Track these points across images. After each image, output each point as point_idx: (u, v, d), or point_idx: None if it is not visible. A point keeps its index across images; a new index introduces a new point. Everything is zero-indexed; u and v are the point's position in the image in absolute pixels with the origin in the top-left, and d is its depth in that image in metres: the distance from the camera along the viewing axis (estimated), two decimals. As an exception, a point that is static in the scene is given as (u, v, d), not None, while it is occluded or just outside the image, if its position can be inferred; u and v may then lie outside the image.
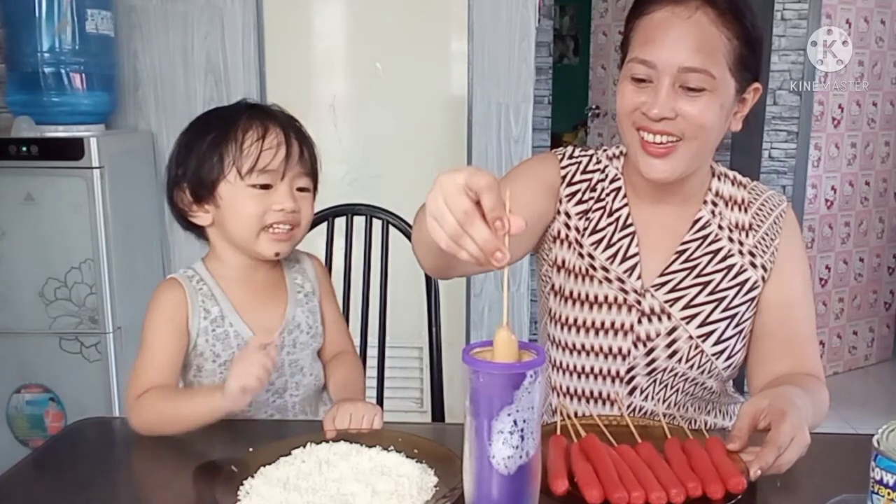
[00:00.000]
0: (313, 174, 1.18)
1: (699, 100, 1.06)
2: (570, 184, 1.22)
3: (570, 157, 1.24)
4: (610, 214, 1.21)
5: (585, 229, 1.21)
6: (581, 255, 1.20)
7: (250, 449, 0.95)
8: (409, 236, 1.50)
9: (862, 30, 3.47)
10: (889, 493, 0.70)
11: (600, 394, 1.20)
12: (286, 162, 1.12)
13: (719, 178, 1.22)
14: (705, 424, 1.22)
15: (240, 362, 1.00)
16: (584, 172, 1.23)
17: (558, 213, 1.22)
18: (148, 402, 1.07)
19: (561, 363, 1.22)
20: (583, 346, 1.19)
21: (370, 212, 1.54)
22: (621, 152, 1.24)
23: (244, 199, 1.12)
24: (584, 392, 1.21)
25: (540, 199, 1.20)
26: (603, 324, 1.17)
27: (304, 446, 0.95)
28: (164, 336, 1.12)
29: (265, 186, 1.12)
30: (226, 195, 1.13)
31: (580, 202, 1.22)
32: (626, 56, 1.12)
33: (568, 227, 1.22)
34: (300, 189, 1.16)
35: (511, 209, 0.74)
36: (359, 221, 1.55)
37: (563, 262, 1.21)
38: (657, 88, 1.06)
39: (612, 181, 1.22)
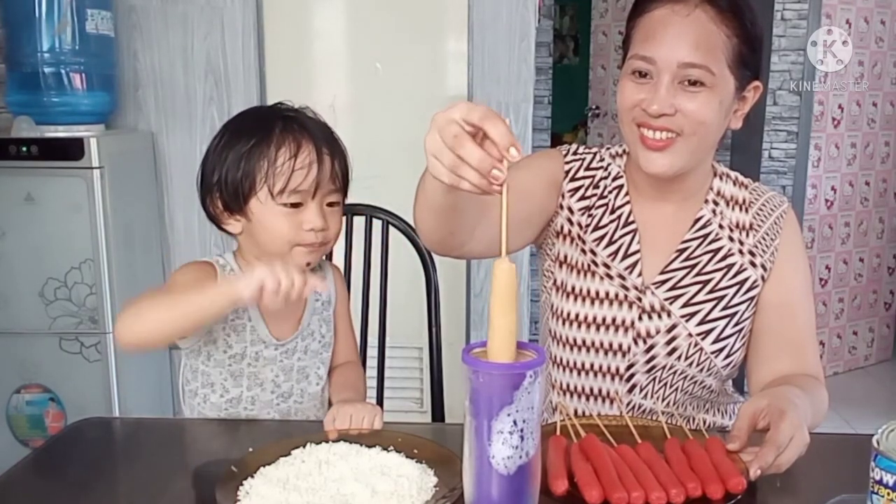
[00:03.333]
0: (344, 186, 1.18)
1: (698, 96, 1.07)
2: (573, 179, 1.23)
3: (574, 153, 1.25)
4: (612, 212, 1.21)
5: (588, 225, 1.21)
6: (583, 251, 1.20)
7: (250, 449, 0.95)
8: (409, 236, 1.50)
9: (862, 30, 3.47)
10: (889, 493, 0.70)
11: (600, 391, 1.20)
12: (318, 180, 1.12)
13: (721, 178, 1.23)
14: (704, 423, 1.22)
15: (274, 265, 0.96)
16: (587, 169, 1.24)
17: (561, 207, 1.23)
18: (138, 308, 1.01)
19: (561, 359, 1.22)
20: (583, 342, 1.19)
21: (370, 212, 1.54)
22: (624, 151, 1.25)
23: (274, 216, 1.12)
24: (584, 389, 1.21)
25: (542, 191, 1.21)
26: (604, 320, 1.18)
27: (304, 446, 0.95)
28: (188, 281, 1.10)
29: (296, 205, 1.12)
30: (256, 211, 1.12)
31: (583, 198, 1.22)
32: (627, 54, 1.13)
33: (570, 222, 1.22)
34: (330, 204, 1.15)
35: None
36: (359, 221, 1.55)
37: (566, 257, 1.22)
38: (657, 85, 1.08)
39: (614, 179, 1.23)
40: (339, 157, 1.16)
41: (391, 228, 1.53)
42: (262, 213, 1.12)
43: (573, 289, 1.20)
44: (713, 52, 1.07)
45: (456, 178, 0.76)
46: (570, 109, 5.07)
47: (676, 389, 1.19)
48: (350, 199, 1.58)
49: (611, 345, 1.18)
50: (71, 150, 2.09)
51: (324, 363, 1.24)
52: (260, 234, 1.14)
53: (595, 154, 1.26)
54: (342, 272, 1.34)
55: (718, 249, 1.19)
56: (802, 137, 3.42)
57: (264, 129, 1.13)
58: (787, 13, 3.34)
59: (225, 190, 1.13)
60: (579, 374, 1.21)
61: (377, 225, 1.54)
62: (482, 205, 0.82)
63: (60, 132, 2.17)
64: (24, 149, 2.09)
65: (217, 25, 2.43)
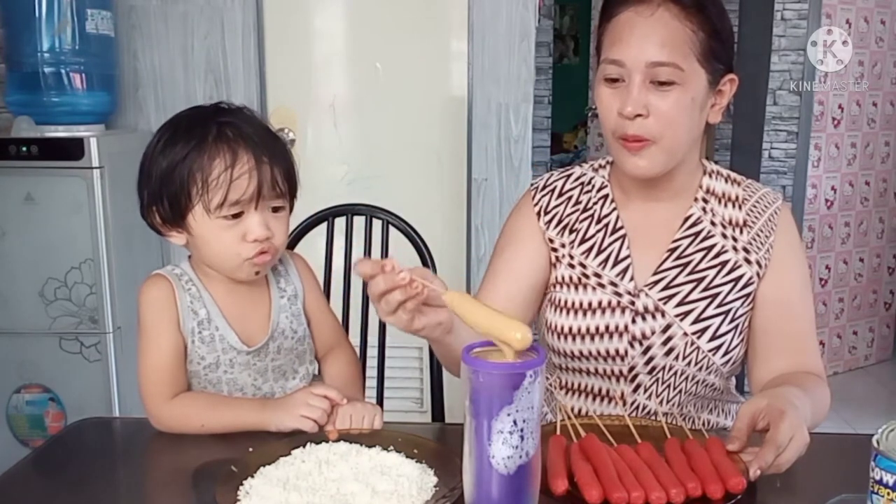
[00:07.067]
0: (290, 189, 1.11)
1: (670, 95, 1.08)
2: (545, 213, 1.25)
3: (544, 187, 1.27)
4: (598, 221, 1.22)
5: (573, 241, 1.22)
6: (572, 265, 1.21)
7: (250, 449, 0.95)
8: (409, 236, 1.51)
9: (862, 30, 3.47)
10: (889, 493, 0.70)
11: (606, 391, 1.21)
12: (258, 189, 1.05)
13: (711, 176, 1.23)
14: (707, 423, 1.22)
15: (303, 400, 1.05)
16: (559, 196, 1.26)
17: (544, 243, 1.24)
18: (185, 409, 1.08)
19: (562, 366, 1.23)
20: (580, 353, 1.19)
21: (370, 212, 1.54)
22: (608, 162, 1.26)
23: (215, 231, 1.07)
24: (588, 388, 1.22)
25: (530, 255, 1.23)
26: (598, 328, 1.18)
27: (304, 446, 0.95)
28: (165, 331, 1.10)
29: (236, 215, 1.06)
30: (195, 226, 1.08)
31: (560, 220, 1.24)
32: (599, 59, 1.15)
33: (554, 249, 1.23)
34: (275, 209, 1.10)
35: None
36: (359, 221, 1.55)
37: (555, 278, 1.23)
38: (629, 86, 1.09)
39: (599, 190, 1.24)
40: (280, 162, 1.09)
41: (391, 228, 1.53)
42: (200, 228, 1.07)
43: (565, 303, 1.20)
44: (680, 48, 1.08)
45: (405, 316, 0.89)
46: (570, 109, 5.08)
47: (681, 391, 1.19)
48: (350, 199, 1.59)
49: (608, 351, 1.18)
50: (71, 150, 2.09)
51: (300, 357, 1.20)
52: (204, 251, 1.10)
53: (570, 175, 1.27)
54: (306, 261, 1.26)
55: (711, 247, 1.19)
56: (802, 137, 3.42)
57: (198, 136, 1.06)
58: (787, 13, 3.34)
59: (161, 204, 1.08)
60: (584, 374, 1.21)
61: (377, 225, 1.54)
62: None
63: (60, 132, 2.17)
64: (24, 149, 2.09)
65: (217, 25, 2.43)
